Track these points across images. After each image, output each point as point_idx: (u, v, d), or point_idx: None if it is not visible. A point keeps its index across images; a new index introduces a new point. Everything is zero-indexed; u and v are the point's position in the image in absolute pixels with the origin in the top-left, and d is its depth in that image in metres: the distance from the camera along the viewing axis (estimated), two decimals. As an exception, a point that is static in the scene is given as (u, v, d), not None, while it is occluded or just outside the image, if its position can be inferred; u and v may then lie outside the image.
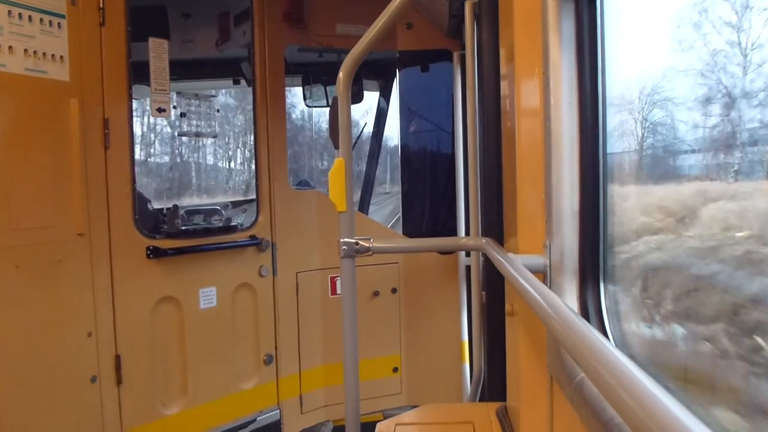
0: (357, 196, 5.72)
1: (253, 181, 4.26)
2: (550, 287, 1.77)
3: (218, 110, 4.44)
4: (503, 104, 2.49)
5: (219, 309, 3.95)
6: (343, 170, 2.53)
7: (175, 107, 3.90)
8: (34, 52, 3.00)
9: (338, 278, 4.45)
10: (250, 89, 4.29)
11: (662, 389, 0.76)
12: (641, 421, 0.74)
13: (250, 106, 4.20)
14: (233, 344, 4.05)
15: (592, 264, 1.74)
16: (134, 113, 3.57)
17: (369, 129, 5.89)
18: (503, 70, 2.44)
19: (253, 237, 4.10)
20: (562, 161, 1.77)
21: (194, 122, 4.14)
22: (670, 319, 1.40)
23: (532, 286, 1.47)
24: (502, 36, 2.45)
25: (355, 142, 5.63)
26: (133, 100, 3.57)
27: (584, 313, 1.72)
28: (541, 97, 1.84)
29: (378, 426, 2.52)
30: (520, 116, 2.07)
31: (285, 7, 4.27)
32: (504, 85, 2.44)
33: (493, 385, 2.89)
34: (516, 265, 1.73)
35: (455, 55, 4.39)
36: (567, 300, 1.73)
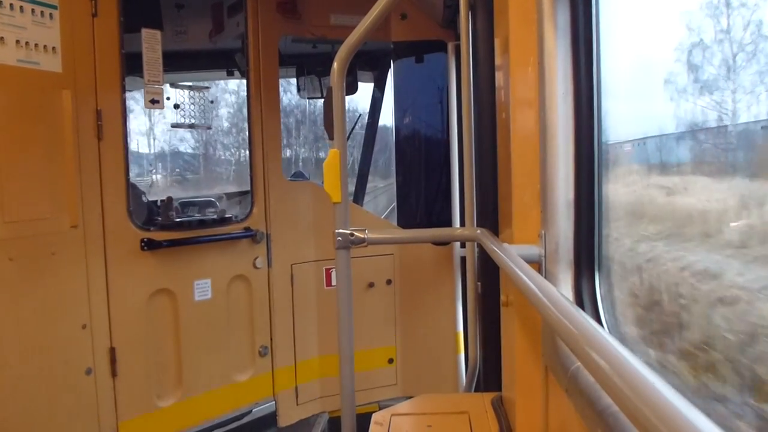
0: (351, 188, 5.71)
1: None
2: (545, 277, 1.78)
3: (212, 101, 4.42)
4: (498, 95, 2.49)
5: (214, 301, 3.95)
6: (338, 161, 2.53)
7: (168, 99, 3.87)
8: (26, 43, 2.97)
9: (333, 270, 4.45)
10: (244, 80, 4.28)
11: (658, 377, 0.76)
12: (637, 408, 0.74)
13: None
14: (228, 336, 4.05)
15: (587, 254, 1.74)
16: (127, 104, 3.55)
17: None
18: (498, 60, 2.43)
19: (247, 229, 4.09)
20: (557, 151, 1.78)
21: (188, 114, 4.12)
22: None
23: (527, 275, 1.47)
24: (497, 26, 2.45)
25: (350, 134, 5.62)
26: (126, 92, 3.55)
27: (579, 303, 1.73)
28: (536, 87, 1.84)
29: (374, 416, 2.53)
30: (515, 107, 2.06)
31: None
32: (499, 76, 2.43)
33: (489, 375, 2.91)
34: (511, 255, 1.74)
35: (450, 46, 4.37)
36: (562, 290, 1.74)
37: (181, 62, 4.99)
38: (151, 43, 3.58)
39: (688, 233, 1.42)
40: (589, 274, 1.74)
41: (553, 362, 1.68)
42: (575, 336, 1.03)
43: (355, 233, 2.59)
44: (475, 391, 3.26)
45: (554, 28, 1.76)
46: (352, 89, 5.37)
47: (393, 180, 4.89)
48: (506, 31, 2.09)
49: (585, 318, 1.06)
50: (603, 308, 1.70)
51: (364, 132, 5.72)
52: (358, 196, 5.58)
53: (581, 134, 1.76)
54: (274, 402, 4.31)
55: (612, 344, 0.91)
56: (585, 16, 1.74)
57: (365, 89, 5.62)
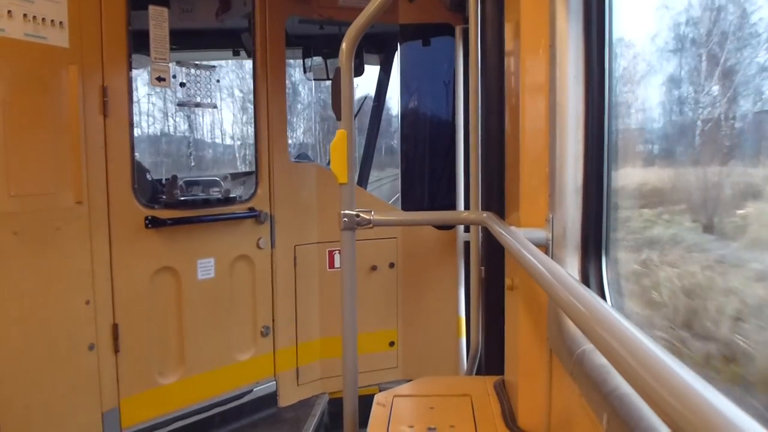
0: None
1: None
2: None
3: (218, 80, 4.40)
4: (508, 80, 2.47)
5: (217, 280, 3.96)
6: (344, 142, 2.52)
7: (174, 77, 3.86)
8: (34, 17, 2.96)
9: (336, 252, 4.46)
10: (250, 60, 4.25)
11: (671, 356, 0.76)
12: (651, 387, 0.74)
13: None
14: (231, 315, 4.06)
15: (595, 238, 1.74)
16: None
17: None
18: (509, 45, 2.41)
19: (251, 209, 4.09)
20: (567, 136, 1.77)
21: (194, 92, 4.11)
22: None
23: (535, 257, 1.47)
24: (508, 9, 2.43)
25: (356, 115, 5.59)
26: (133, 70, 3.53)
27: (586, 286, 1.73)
28: (547, 71, 1.83)
29: (376, 397, 2.54)
30: (524, 90, 2.05)
31: None
32: (509, 61, 2.42)
33: (490, 359, 2.91)
34: (518, 238, 1.74)
35: (458, 30, 4.34)
36: (569, 273, 1.74)
37: (187, 41, 4.96)
38: (158, 20, 3.55)
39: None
40: (596, 258, 1.74)
41: (559, 345, 1.69)
42: (585, 316, 1.03)
43: (361, 214, 2.58)
44: (477, 375, 3.28)
45: (566, 10, 1.74)
46: (358, 71, 5.35)
47: (389, 170, 4.89)
48: (517, 14, 2.07)
49: (595, 298, 1.06)
50: (610, 292, 1.70)
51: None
52: (363, 179, 5.57)
53: (592, 118, 1.75)
54: (274, 382, 4.33)
55: (623, 323, 0.91)
56: (599, -1, 1.73)
57: (371, 72, 5.59)
